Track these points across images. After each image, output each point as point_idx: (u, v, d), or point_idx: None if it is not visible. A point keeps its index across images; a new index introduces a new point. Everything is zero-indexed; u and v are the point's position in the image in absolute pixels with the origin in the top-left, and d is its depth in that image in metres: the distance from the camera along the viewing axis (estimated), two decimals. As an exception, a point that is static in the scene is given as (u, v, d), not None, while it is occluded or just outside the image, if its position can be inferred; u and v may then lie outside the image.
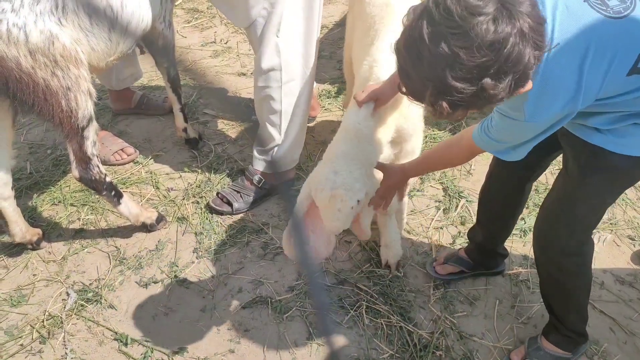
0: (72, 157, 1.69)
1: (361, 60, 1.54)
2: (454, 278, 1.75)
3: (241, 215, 2.03)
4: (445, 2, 0.84)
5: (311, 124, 2.44)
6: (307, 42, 1.85)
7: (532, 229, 1.41)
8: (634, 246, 1.86)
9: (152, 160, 2.31)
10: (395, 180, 1.44)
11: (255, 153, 2.05)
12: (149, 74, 2.80)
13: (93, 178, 1.72)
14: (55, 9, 1.48)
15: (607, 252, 1.84)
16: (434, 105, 0.90)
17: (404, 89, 0.98)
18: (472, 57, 0.83)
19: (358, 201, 1.30)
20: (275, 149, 1.99)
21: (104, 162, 2.24)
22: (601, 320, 1.62)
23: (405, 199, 1.86)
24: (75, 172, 1.70)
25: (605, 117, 1.12)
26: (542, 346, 1.49)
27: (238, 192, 2.04)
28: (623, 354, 1.54)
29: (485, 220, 1.63)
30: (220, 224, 2.00)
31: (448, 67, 0.85)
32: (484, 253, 1.70)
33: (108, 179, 1.79)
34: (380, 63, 1.45)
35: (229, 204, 2.02)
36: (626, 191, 2.08)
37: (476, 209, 2.00)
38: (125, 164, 2.29)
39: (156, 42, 2.04)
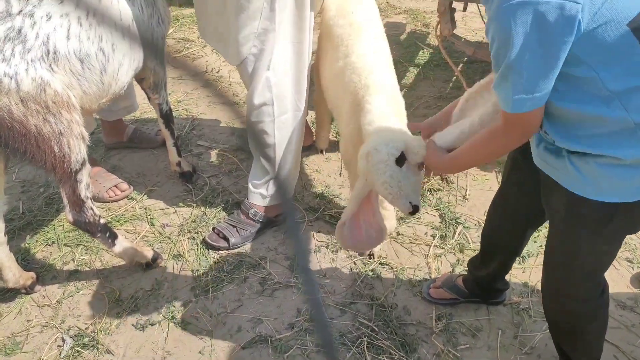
0: (65, 201, 1.67)
1: (336, 78, 1.70)
2: (445, 303, 1.75)
3: (238, 249, 2.02)
4: None
5: (304, 152, 2.44)
6: (298, 74, 1.86)
7: (540, 283, 1.39)
8: (633, 269, 1.86)
9: (146, 195, 2.30)
10: (436, 163, 1.32)
11: (250, 186, 2.04)
12: (141, 106, 2.79)
13: (87, 221, 1.71)
14: (46, 55, 1.47)
15: (607, 276, 1.83)
16: None
17: None
18: None
19: (401, 153, 1.37)
20: (271, 182, 1.98)
21: (98, 199, 2.23)
22: (605, 347, 1.60)
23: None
24: (69, 215, 1.68)
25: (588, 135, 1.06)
26: None
27: (234, 226, 2.03)
28: (628, 382, 1.52)
29: (484, 261, 1.62)
30: (217, 259, 1.98)
31: None
32: (481, 287, 1.70)
33: (102, 221, 1.77)
34: (366, 66, 1.60)
35: (226, 239, 2.01)
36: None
37: (473, 234, 2.02)
38: (119, 200, 2.27)
39: (148, 79, 2.04)
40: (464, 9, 2.84)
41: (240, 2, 1.68)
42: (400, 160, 1.39)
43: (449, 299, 1.74)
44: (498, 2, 0.97)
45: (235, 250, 2.01)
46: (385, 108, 1.57)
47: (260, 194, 2.01)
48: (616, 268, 1.87)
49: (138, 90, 2.35)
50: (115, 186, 2.27)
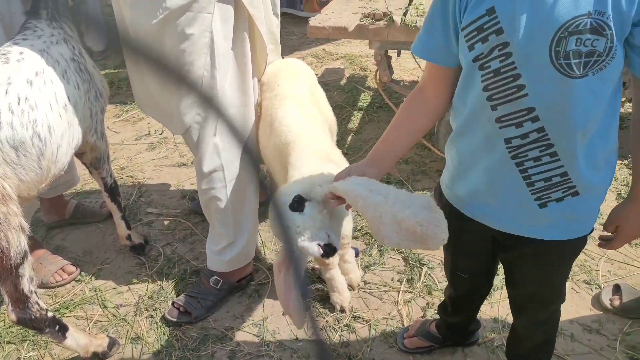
0: (6, 299, 1.53)
1: (266, 147, 1.77)
2: (422, 352, 1.72)
3: (202, 322, 1.91)
4: None
5: (261, 208, 2.40)
6: (246, 134, 1.84)
7: (514, 301, 1.41)
8: (592, 290, 1.93)
9: (94, 275, 2.15)
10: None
11: (209, 253, 1.96)
12: (81, 177, 2.65)
13: (33, 317, 1.56)
14: (-25, 148, 1.37)
15: (569, 300, 1.89)
16: None
17: None
18: None
19: (296, 197, 1.27)
20: (229, 247, 1.91)
21: (43, 286, 2.07)
22: (580, 375, 1.63)
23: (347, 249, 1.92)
24: (11, 315, 1.53)
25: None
26: None
27: (195, 297, 1.93)
28: (607, 407, 1.54)
29: (454, 312, 1.62)
30: (180, 336, 1.86)
31: None
32: (454, 331, 1.69)
33: (50, 314, 1.63)
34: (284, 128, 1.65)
35: (187, 312, 1.90)
36: (572, 235, 2.18)
37: (438, 274, 2.03)
38: (66, 284, 2.11)
39: (88, 155, 1.95)
40: (398, 55, 2.96)
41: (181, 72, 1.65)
42: (297, 204, 1.27)
43: (425, 347, 1.72)
44: None
45: (199, 324, 1.90)
46: (305, 159, 1.56)
47: (220, 260, 1.94)
48: (576, 292, 1.93)
49: (77, 161, 2.24)
50: (61, 269, 2.12)
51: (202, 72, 1.66)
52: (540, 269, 1.24)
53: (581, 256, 2.07)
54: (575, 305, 1.87)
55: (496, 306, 1.89)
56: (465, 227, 1.22)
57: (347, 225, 1.83)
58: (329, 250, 1.24)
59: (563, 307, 1.85)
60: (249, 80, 1.78)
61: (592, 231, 1.17)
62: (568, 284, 1.94)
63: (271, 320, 1.89)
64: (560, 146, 1.02)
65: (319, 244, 1.24)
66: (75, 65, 1.77)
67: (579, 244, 1.19)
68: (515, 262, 1.29)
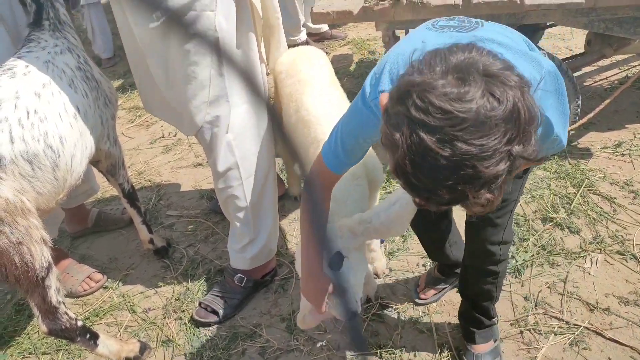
0: (36, 312, 1.54)
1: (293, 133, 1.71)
2: (438, 297, 1.84)
3: (230, 321, 1.91)
4: (432, 104, 0.71)
5: (279, 203, 2.38)
6: (259, 132, 1.81)
7: (470, 238, 1.46)
8: (626, 261, 1.86)
9: (121, 281, 2.17)
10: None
11: (231, 252, 1.95)
12: (101, 185, 2.67)
13: (63, 327, 1.58)
14: (-10, 164, 1.38)
15: (603, 273, 1.83)
16: (477, 201, 0.77)
17: (428, 205, 0.83)
18: (494, 139, 0.71)
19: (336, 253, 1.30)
20: (251, 244, 1.90)
21: (72, 295, 2.09)
22: (620, 350, 1.58)
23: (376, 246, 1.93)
24: (42, 326, 1.55)
25: None
26: (478, 352, 1.56)
27: (221, 297, 1.93)
28: (651, 381, 1.49)
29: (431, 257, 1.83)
30: (210, 336, 1.87)
31: (476, 162, 0.72)
32: (452, 268, 1.79)
33: (80, 323, 1.64)
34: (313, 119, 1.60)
35: (215, 312, 1.90)
36: (601, 206, 2.11)
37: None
38: (94, 292, 2.14)
39: (103, 162, 1.95)
40: (407, 34, 2.89)
41: (187, 73, 1.62)
42: (336, 261, 1.24)
43: (438, 293, 1.83)
44: None
45: (228, 322, 1.90)
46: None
47: (242, 258, 1.93)
48: (610, 263, 1.86)
49: (95, 169, 2.25)
50: (89, 277, 2.14)
51: (209, 70, 1.64)
52: None
53: (612, 226, 2.00)
54: (609, 277, 1.81)
55: (527, 285, 1.84)
56: None
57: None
58: (355, 316, 1.32)
59: (597, 280, 1.80)
60: (258, 74, 1.75)
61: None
62: (601, 256, 1.88)
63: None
64: None
65: (350, 309, 1.28)
66: (82, 73, 1.77)
67: None
68: None
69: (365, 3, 2.22)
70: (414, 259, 2.04)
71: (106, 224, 2.46)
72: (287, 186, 2.48)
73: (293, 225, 2.33)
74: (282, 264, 2.11)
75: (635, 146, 2.41)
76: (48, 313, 1.55)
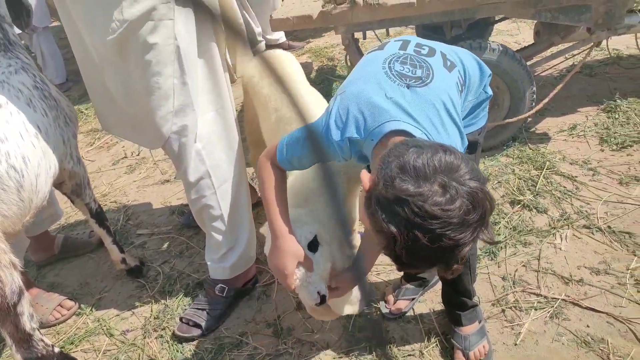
0: (9, 341, 1.46)
1: (273, 132, 1.68)
2: (408, 308, 1.80)
3: (214, 333, 1.87)
4: (427, 212, 0.88)
5: (253, 211, 2.36)
6: (229, 140, 1.79)
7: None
8: (593, 233, 1.95)
9: (94, 306, 2.09)
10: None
11: (209, 263, 1.92)
12: (65, 211, 2.58)
13: (40, 355, 1.50)
14: (-51, 189, 1.31)
15: (573, 247, 1.91)
16: (449, 271, 0.99)
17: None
18: (469, 232, 0.90)
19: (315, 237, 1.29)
20: (229, 253, 1.87)
21: (44, 325, 2.00)
22: (597, 317, 1.64)
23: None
24: (17, 356, 1.47)
25: None
26: (465, 334, 1.60)
27: (203, 309, 1.89)
28: (629, 342, 1.55)
29: None
30: (195, 350, 1.82)
31: (455, 249, 0.91)
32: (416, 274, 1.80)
33: (57, 350, 1.57)
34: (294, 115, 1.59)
35: (197, 325, 1.85)
36: (564, 185, 2.21)
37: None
38: (67, 319, 2.04)
39: (67, 183, 1.89)
40: (364, 37, 2.95)
41: (149, 84, 1.59)
42: (313, 244, 1.27)
43: (409, 303, 1.79)
44: None
45: (212, 335, 1.86)
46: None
47: (222, 267, 1.89)
48: (578, 237, 1.94)
49: (58, 195, 2.17)
50: (60, 305, 2.05)
51: (172, 80, 1.61)
52: None
53: (577, 203, 2.10)
54: (579, 251, 1.89)
55: (503, 266, 1.89)
56: None
57: (355, 210, 1.82)
58: (322, 301, 1.27)
59: (568, 254, 1.88)
60: (222, 81, 1.74)
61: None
62: (569, 232, 1.96)
63: (284, 318, 1.86)
64: None
65: (319, 292, 1.26)
66: (39, 92, 1.71)
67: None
68: None
69: (323, 7, 2.26)
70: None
71: (74, 249, 2.37)
72: (259, 194, 2.46)
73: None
74: (262, 270, 2.09)
75: (588, 128, 2.54)
76: (22, 341, 1.47)
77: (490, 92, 1.37)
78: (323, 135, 1.15)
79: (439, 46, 1.29)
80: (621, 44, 3.21)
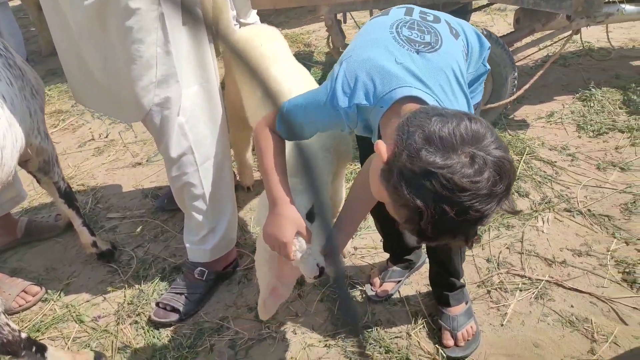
0: (-30, 327, 1.34)
1: (257, 107, 1.63)
2: (395, 290, 1.76)
3: (193, 318, 1.79)
4: (456, 185, 0.86)
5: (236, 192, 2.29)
6: (213, 114, 1.70)
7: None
8: (574, 216, 1.97)
9: (63, 291, 1.96)
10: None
11: (188, 245, 1.83)
12: (28, 193, 2.42)
13: (5, 341, 1.39)
14: None
15: (555, 230, 1.93)
16: (469, 242, 0.96)
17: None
18: (494, 203, 0.89)
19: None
20: (210, 235, 1.79)
21: (7, 312, 1.86)
22: (580, 297, 1.66)
23: None
24: (-21, 342, 1.35)
25: None
26: (453, 315, 1.58)
27: (181, 293, 1.80)
28: (612, 321, 1.58)
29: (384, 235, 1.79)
30: (172, 336, 1.73)
31: (480, 220, 0.89)
32: (402, 254, 1.77)
33: (24, 335, 1.45)
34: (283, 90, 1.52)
35: (175, 310, 1.77)
36: (544, 169, 2.23)
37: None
38: (32, 306, 1.92)
39: (34, 160, 1.76)
40: (344, 21, 2.91)
41: (130, 52, 1.49)
42: (311, 215, 1.23)
43: (395, 286, 1.76)
44: None
45: (191, 320, 1.78)
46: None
47: (202, 250, 1.81)
48: (560, 220, 1.97)
49: (25, 175, 2.02)
50: (24, 291, 1.91)
51: (155, 48, 1.52)
52: None
53: (557, 187, 2.12)
54: (561, 233, 1.91)
55: (487, 248, 1.90)
56: None
57: (342, 190, 1.78)
58: (321, 274, 1.22)
59: (550, 237, 1.89)
60: (207, 52, 1.65)
61: None
62: (551, 215, 1.98)
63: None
64: None
65: (317, 264, 1.21)
66: (3, 60, 1.58)
67: None
68: None
69: (306, -16, 2.20)
70: (377, 236, 2.02)
71: (38, 232, 2.23)
72: (237, 177, 2.38)
73: (250, 216, 2.24)
74: (242, 254, 2.02)
75: (565, 115, 2.58)
76: (-15, 326, 1.35)
77: (488, 66, 1.35)
78: (328, 102, 1.09)
79: (442, 15, 1.25)
80: (592, 37, 3.29)
